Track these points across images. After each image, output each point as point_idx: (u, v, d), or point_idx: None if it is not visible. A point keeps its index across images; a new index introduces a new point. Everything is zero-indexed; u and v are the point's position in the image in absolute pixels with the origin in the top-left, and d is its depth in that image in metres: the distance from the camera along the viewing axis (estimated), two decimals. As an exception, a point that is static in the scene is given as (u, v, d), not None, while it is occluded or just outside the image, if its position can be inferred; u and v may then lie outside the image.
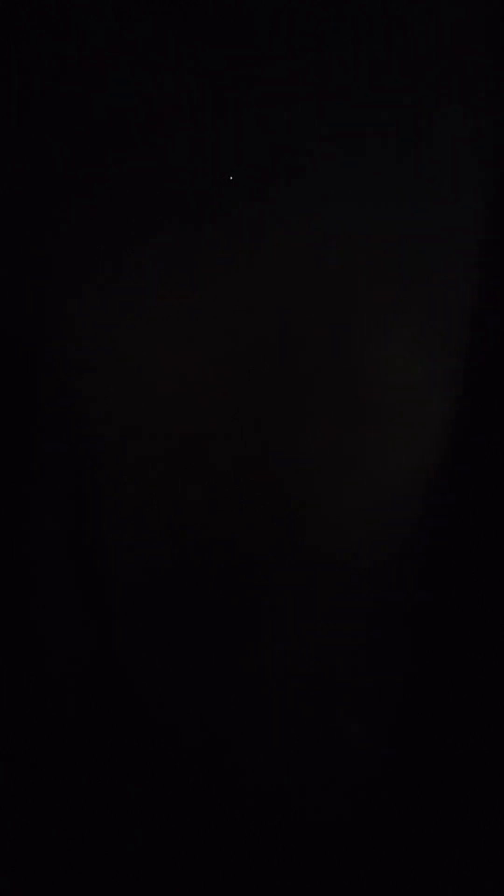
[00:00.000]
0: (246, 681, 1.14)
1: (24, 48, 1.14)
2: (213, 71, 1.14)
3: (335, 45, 1.13)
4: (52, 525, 1.15)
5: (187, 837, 1.14)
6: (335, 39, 1.13)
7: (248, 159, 1.15)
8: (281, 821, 1.13)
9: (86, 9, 1.13)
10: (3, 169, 1.16)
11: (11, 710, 1.14)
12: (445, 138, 1.14)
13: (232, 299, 1.15)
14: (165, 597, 1.15)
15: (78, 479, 1.15)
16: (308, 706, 1.13)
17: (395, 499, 1.13)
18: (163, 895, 1.14)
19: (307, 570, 1.13)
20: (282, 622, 1.14)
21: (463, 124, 1.14)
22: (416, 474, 1.13)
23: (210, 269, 1.16)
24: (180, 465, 1.16)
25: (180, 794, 1.14)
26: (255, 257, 1.15)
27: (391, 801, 1.12)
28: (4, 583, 1.15)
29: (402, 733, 1.12)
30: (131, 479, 1.16)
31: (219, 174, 1.15)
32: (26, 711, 1.14)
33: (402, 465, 1.13)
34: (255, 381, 1.15)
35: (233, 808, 1.13)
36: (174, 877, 1.13)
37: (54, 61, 1.14)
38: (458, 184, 1.14)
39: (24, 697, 1.14)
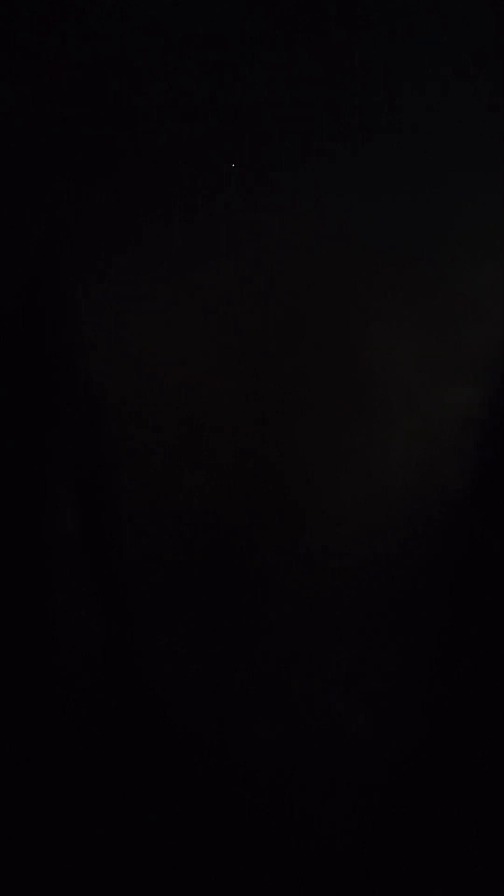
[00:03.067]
0: (246, 668, 1.14)
1: (24, 44, 1.16)
2: (213, 60, 1.15)
3: (336, 33, 1.14)
4: (65, 515, 1.17)
5: (189, 834, 1.13)
6: (336, 28, 1.14)
7: (249, 150, 1.16)
8: (285, 818, 1.12)
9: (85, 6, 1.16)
10: (7, 161, 1.17)
11: (25, 700, 1.15)
12: (447, 129, 1.14)
13: (233, 290, 1.16)
14: (164, 590, 1.15)
15: (86, 469, 1.17)
16: (310, 695, 1.13)
17: (395, 490, 1.12)
18: (165, 893, 1.13)
19: (307, 560, 1.13)
20: (282, 611, 1.13)
21: (465, 115, 1.14)
22: (415, 466, 1.12)
23: (212, 259, 1.16)
24: (182, 455, 1.16)
25: (185, 790, 1.14)
26: (257, 248, 1.16)
27: (397, 799, 1.10)
28: (19, 573, 1.16)
29: (407, 725, 1.11)
30: (133, 469, 1.16)
31: (221, 164, 1.16)
32: (39, 697, 1.15)
33: (403, 457, 1.13)
34: (255, 372, 1.15)
35: (237, 804, 1.13)
36: (178, 873, 1.13)
37: (54, 60, 1.16)
38: (460, 176, 1.14)
39: (38, 684, 1.15)
